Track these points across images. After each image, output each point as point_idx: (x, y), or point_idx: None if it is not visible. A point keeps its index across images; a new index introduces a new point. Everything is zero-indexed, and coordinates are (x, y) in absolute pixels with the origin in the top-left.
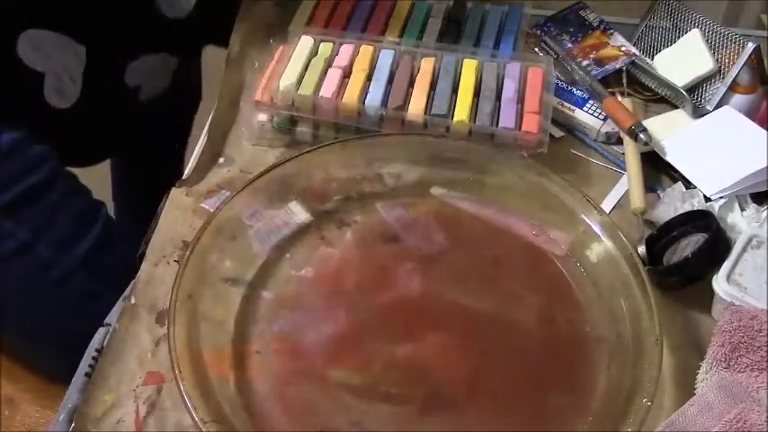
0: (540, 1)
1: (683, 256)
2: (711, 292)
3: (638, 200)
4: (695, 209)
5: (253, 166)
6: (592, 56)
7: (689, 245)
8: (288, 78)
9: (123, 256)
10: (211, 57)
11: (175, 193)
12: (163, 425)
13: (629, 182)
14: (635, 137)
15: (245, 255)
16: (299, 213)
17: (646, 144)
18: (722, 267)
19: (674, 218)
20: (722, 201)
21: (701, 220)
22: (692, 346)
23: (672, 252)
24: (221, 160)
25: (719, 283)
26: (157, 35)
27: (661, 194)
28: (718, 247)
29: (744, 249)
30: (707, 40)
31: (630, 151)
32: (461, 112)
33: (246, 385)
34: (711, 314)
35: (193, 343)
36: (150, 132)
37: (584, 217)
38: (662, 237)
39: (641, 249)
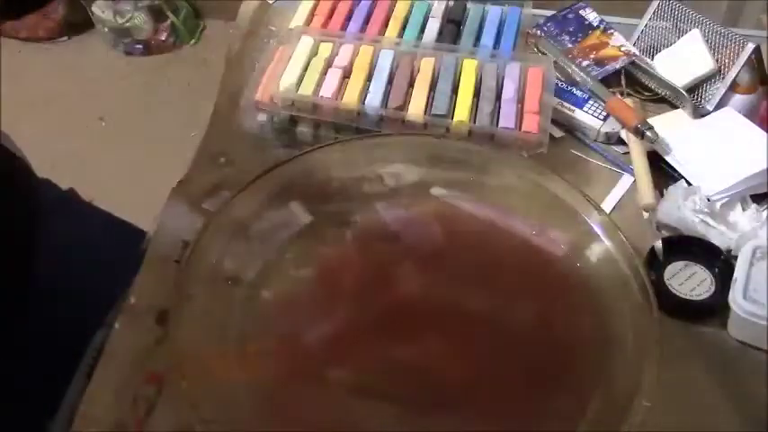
0: (540, 1)
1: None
2: None
3: (647, 196)
4: (710, 241)
5: (253, 166)
6: (592, 56)
7: (693, 276)
8: (288, 78)
9: None
10: (212, 55)
11: (175, 193)
12: (163, 425)
13: (638, 179)
14: (641, 135)
15: (245, 255)
16: (299, 213)
17: (652, 142)
18: (736, 287)
19: (692, 238)
20: (724, 199)
21: (711, 255)
22: (692, 346)
23: (674, 272)
24: (221, 160)
25: (737, 302)
26: None
27: (664, 192)
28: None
29: (751, 263)
30: (707, 40)
31: (637, 150)
32: (461, 113)
33: (246, 385)
34: (728, 331)
35: (193, 343)
36: None
37: (585, 217)
38: (672, 247)
39: (658, 245)
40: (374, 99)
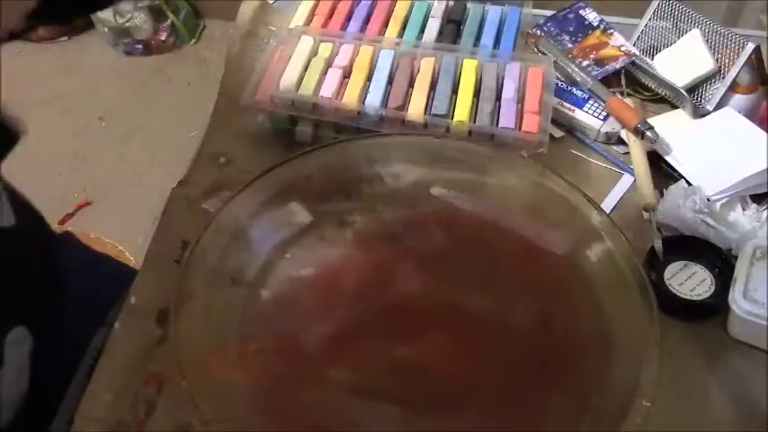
0: (540, 1)
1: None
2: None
3: (648, 195)
4: (710, 241)
5: (253, 166)
6: (592, 56)
7: (693, 276)
8: (288, 78)
9: None
10: (212, 55)
11: (175, 193)
12: (163, 425)
13: (638, 179)
14: (641, 135)
15: (245, 255)
16: (299, 213)
17: (652, 142)
18: (736, 286)
19: (692, 238)
20: (724, 199)
21: (711, 255)
22: (692, 346)
23: (674, 272)
24: (221, 160)
25: (737, 302)
26: None
27: (664, 192)
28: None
29: (751, 263)
30: (707, 40)
31: (637, 149)
32: (461, 113)
33: (246, 385)
34: (728, 331)
35: (193, 343)
36: None
37: (585, 217)
38: (672, 247)
39: (658, 245)
40: (374, 99)
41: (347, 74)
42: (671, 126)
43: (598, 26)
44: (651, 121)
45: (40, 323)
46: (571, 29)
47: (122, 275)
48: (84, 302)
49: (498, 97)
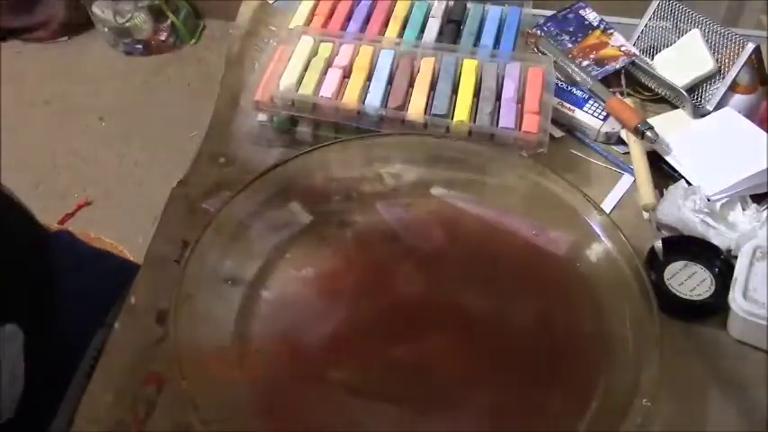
0: (540, 1)
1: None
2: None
3: (648, 196)
4: (710, 241)
5: (253, 166)
6: (592, 56)
7: (693, 276)
8: (288, 78)
9: None
10: (212, 55)
11: (175, 193)
12: (163, 425)
13: (638, 179)
14: (641, 135)
15: (245, 255)
16: (299, 213)
17: (652, 142)
18: (736, 286)
19: (692, 238)
20: (724, 199)
21: (711, 255)
22: (692, 346)
23: (674, 272)
24: (221, 160)
25: (737, 302)
26: None
27: (664, 192)
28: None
29: (751, 263)
30: (707, 40)
31: (637, 149)
32: (461, 113)
33: (246, 385)
34: (728, 331)
35: (193, 343)
36: None
37: (585, 217)
38: (672, 247)
39: (658, 245)
40: (374, 99)
41: (347, 74)
42: (671, 126)
43: (598, 26)
44: (651, 121)
45: (33, 320)
46: (571, 29)
47: (124, 271)
48: (82, 300)
49: (498, 97)
